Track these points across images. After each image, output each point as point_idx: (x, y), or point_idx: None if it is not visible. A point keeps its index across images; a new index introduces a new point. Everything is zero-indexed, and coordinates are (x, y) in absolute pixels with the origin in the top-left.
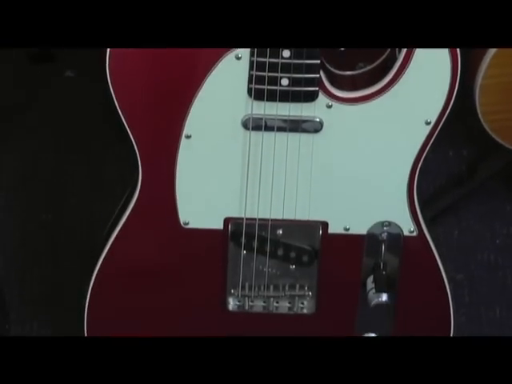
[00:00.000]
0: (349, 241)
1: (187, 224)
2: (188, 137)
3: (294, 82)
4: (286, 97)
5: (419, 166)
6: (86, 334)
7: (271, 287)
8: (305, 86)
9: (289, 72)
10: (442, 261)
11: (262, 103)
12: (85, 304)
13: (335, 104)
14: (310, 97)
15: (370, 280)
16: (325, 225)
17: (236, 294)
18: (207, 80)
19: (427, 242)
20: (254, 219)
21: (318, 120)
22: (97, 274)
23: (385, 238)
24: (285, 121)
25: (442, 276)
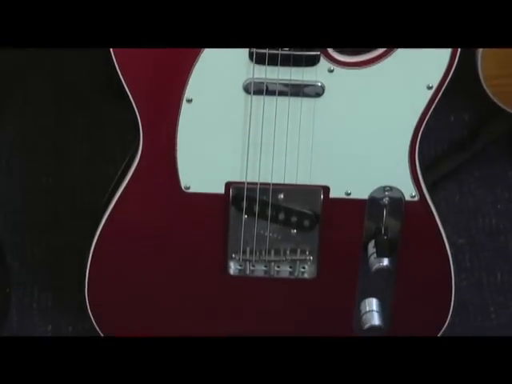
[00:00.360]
0: (350, 205)
1: (188, 188)
2: (189, 101)
3: None
4: (287, 61)
5: (421, 130)
6: (86, 299)
7: (272, 252)
8: (306, 51)
9: None
10: (443, 226)
11: (263, 67)
12: (86, 269)
13: (337, 68)
14: (312, 61)
15: (371, 245)
16: (326, 189)
17: (237, 258)
18: None
19: (428, 206)
20: (256, 184)
21: (319, 84)
22: (98, 239)
23: (386, 202)
24: (286, 85)
25: (443, 241)
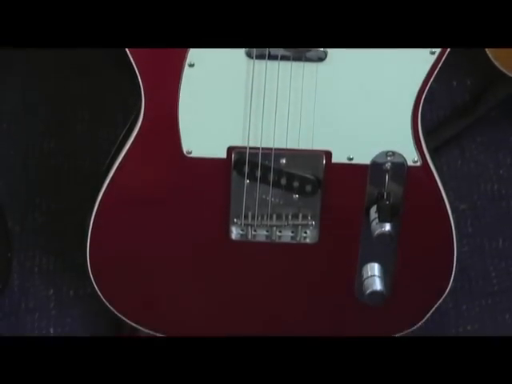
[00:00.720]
0: (352, 170)
1: (190, 153)
2: (191, 65)
3: None
4: None
5: (423, 95)
6: (88, 264)
7: (274, 216)
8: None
9: None
10: (445, 191)
11: None
12: (87, 233)
13: None
14: None
15: (373, 210)
16: (328, 154)
17: (239, 223)
18: None
19: (431, 172)
20: (258, 148)
21: (322, 49)
22: (99, 203)
23: (388, 167)
24: (289, 50)
25: (445, 206)
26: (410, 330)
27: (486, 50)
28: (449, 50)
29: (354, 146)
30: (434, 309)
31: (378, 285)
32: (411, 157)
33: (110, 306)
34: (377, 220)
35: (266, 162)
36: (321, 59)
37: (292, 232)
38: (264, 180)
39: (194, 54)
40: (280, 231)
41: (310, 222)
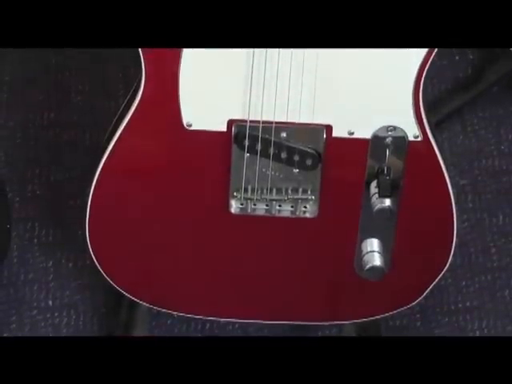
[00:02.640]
0: (353, 145)
1: (190, 126)
2: None
3: None
4: None
5: (425, 69)
6: (87, 236)
7: (274, 190)
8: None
9: None
10: (445, 166)
11: None
12: (87, 205)
13: None
14: None
15: (373, 185)
16: (329, 128)
17: (239, 196)
18: None
19: (431, 147)
20: (258, 121)
21: None
22: (99, 175)
23: (389, 142)
24: None
25: (445, 181)
26: (409, 305)
27: None
28: None
29: (355, 121)
30: (433, 284)
31: (377, 260)
32: (412, 132)
33: (109, 280)
34: (377, 195)
35: (267, 136)
36: None
37: (292, 206)
38: (264, 153)
39: None
40: (280, 205)
41: (309, 197)
